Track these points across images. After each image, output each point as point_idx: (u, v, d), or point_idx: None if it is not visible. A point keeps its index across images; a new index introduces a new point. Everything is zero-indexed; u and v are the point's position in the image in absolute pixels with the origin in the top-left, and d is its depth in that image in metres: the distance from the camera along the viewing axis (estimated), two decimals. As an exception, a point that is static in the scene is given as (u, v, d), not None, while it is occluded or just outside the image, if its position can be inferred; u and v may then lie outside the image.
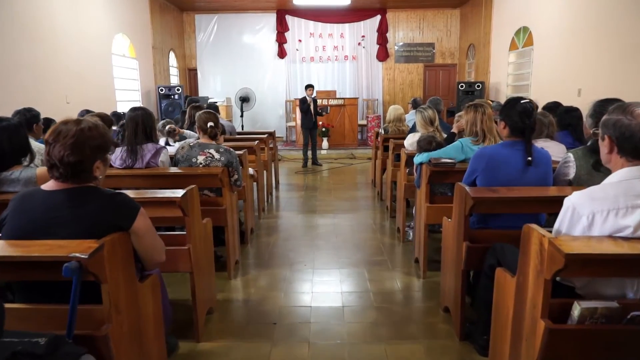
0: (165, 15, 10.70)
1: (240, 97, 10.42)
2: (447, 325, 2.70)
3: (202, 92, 11.82)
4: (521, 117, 2.37)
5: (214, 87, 12.05)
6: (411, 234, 4.17)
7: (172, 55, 11.33)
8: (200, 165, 3.31)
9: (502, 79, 9.13)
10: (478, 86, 9.45)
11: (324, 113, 8.56)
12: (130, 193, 2.37)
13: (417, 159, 3.39)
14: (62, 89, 6.37)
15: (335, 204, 5.71)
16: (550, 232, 1.64)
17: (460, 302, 2.50)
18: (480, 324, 2.37)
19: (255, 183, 4.97)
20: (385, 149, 5.51)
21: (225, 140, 4.81)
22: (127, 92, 8.71)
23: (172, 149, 3.99)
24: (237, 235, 3.69)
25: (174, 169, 3.28)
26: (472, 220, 2.54)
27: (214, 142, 3.41)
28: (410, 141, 4.24)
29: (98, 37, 7.51)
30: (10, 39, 5.33)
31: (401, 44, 12.20)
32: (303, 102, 8.24)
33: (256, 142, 4.99)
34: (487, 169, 2.47)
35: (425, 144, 3.47)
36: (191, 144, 3.38)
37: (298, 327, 2.71)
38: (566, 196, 2.37)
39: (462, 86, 9.55)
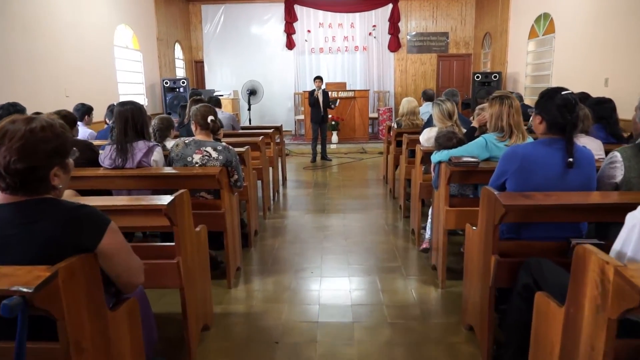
0: (170, 6, 10.40)
1: (247, 90, 10.11)
2: (471, 346, 2.39)
3: (209, 85, 11.55)
4: (561, 111, 2.02)
5: (221, 80, 11.76)
6: (426, 236, 3.85)
7: (177, 47, 11.04)
8: (196, 165, 3.02)
9: (521, 68, 8.69)
10: (495, 76, 9.04)
11: (333, 106, 8.20)
12: (101, 201, 2.09)
13: (436, 157, 3.06)
14: (62, 82, 6.11)
15: (345, 202, 5.41)
16: (596, 245, 1.34)
17: (488, 323, 2.19)
18: (511, 348, 2.06)
19: (260, 181, 4.67)
20: (398, 143, 5.17)
21: (228, 135, 4.53)
22: (130, 86, 8.44)
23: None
24: (238, 240, 3.40)
25: (167, 169, 2.99)
26: (501, 229, 2.21)
27: (211, 139, 3.12)
28: (426, 136, 3.90)
29: (99, 28, 7.24)
30: (7, 31, 5.08)
31: (414, 33, 11.77)
32: (311, 94, 7.92)
33: (261, 137, 4.68)
34: (520, 170, 2.13)
35: (445, 141, 3.12)
36: (186, 141, 3.08)
37: (302, 347, 2.42)
38: (612, 202, 2.07)
39: (478, 77, 9.14)
